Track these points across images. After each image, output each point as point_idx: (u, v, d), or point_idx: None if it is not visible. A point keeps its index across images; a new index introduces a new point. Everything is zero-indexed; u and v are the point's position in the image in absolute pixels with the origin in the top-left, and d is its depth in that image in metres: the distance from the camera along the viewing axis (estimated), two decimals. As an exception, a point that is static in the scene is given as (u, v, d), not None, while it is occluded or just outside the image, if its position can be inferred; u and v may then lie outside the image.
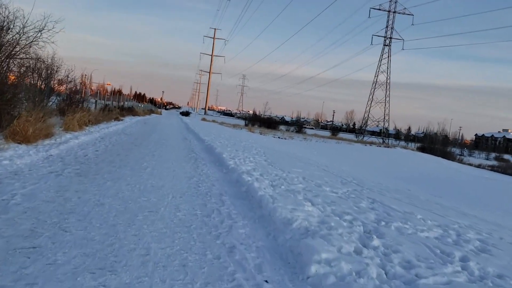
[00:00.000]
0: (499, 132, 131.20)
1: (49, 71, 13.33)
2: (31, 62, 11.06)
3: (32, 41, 9.98)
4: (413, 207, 7.54)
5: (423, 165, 39.27)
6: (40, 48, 10.30)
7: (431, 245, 4.43)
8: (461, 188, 26.23)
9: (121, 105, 36.31)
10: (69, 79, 15.51)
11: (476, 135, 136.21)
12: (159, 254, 3.48)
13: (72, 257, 3.19)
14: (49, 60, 13.12)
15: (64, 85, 14.92)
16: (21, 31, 9.63)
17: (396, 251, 3.99)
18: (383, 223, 5.20)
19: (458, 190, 24.82)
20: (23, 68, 10.72)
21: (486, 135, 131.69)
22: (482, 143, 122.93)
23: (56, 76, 13.84)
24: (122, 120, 25.82)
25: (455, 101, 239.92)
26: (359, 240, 4.18)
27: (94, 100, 26.37)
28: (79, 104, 16.59)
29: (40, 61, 12.33)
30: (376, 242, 4.17)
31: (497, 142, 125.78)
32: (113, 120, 23.12)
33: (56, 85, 14.13)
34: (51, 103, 14.29)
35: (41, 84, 12.83)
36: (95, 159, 8.33)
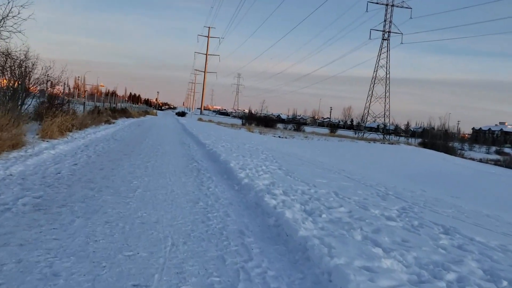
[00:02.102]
0: (496, 125, 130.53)
1: (22, 69, 11.35)
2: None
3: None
4: (487, 232, 5.69)
5: (429, 162, 37.70)
6: (5, 39, 8.34)
7: None
8: (474, 186, 24.57)
9: (113, 106, 34.27)
10: (48, 78, 13.50)
11: (473, 128, 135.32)
12: None
13: None
14: (22, 56, 11.14)
15: (43, 85, 12.92)
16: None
17: None
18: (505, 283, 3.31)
19: (472, 188, 23.13)
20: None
21: (483, 128, 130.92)
22: (479, 136, 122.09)
23: (32, 74, 11.85)
24: (113, 123, 23.83)
25: (451, 95, 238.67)
26: None
27: (82, 102, 24.38)
28: (61, 107, 14.59)
29: (10, 56, 10.37)
30: None
31: (495, 135, 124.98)
32: (103, 124, 21.14)
33: (31, 85, 12.14)
34: (26, 106, 12.30)
35: (13, 84, 10.86)
36: (69, 178, 6.39)
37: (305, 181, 8.25)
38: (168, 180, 7.10)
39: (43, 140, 10.61)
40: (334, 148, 35.46)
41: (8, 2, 8.13)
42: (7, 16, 8.05)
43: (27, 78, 11.68)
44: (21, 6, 8.18)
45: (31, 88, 12.10)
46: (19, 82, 11.45)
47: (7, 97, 10.70)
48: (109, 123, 22.57)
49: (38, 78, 12.11)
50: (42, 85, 13.83)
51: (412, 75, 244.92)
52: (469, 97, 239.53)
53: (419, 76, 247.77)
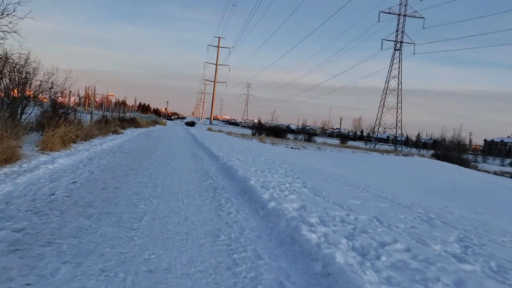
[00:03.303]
0: (508, 137, 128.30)
1: (22, 75, 10.42)
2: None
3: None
4: None
5: (446, 175, 36.36)
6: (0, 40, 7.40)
7: None
8: (497, 201, 23.27)
9: (122, 116, 33.46)
10: (51, 85, 12.58)
11: (485, 140, 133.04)
12: None
13: None
14: (22, 61, 10.21)
15: (45, 93, 11.98)
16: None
17: None
18: None
19: (495, 203, 21.84)
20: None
21: (495, 140, 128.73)
22: (491, 148, 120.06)
23: (33, 81, 10.92)
24: (121, 133, 22.92)
25: (461, 106, 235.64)
26: None
27: (90, 111, 23.51)
28: (66, 116, 13.64)
29: (8, 61, 9.44)
30: None
31: (507, 147, 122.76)
32: (111, 134, 20.22)
33: (32, 92, 11.20)
34: (27, 115, 11.35)
35: (10, 92, 9.92)
36: (64, 202, 5.34)
37: (338, 203, 7.13)
38: (180, 204, 6.01)
39: (43, 153, 9.62)
40: (349, 160, 34.21)
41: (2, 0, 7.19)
42: (1, 14, 7.10)
43: (28, 84, 10.74)
44: (17, 3, 7.24)
45: (32, 95, 11.15)
46: (19, 89, 10.52)
47: (6, 105, 9.76)
48: (117, 134, 21.66)
49: (40, 85, 11.14)
50: (44, 93, 12.92)
51: (422, 85, 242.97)
52: (480, 108, 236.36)
53: (429, 86, 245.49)
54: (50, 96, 12.34)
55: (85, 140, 14.33)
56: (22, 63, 10.27)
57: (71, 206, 5.13)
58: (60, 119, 12.06)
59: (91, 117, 21.70)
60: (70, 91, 16.06)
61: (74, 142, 12.75)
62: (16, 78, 10.50)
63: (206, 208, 5.89)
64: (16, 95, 10.51)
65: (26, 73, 10.61)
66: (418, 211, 8.21)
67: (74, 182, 6.88)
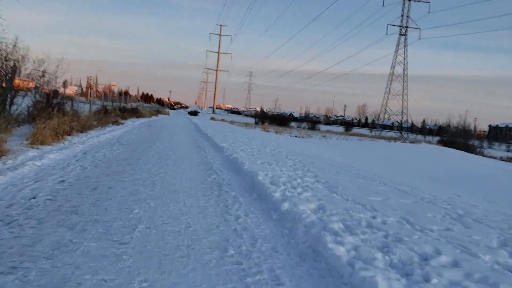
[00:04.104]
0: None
1: (10, 63, 9.61)
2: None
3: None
4: None
5: (454, 162, 35.60)
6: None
7: None
8: (510, 189, 22.56)
9: (123, 106, 32.65)
10: (42, 73, 11.74)
11: (489, 125, 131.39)
12: None
13: None
14: (9, 47, 9.39)
15: (35, 82, 11.18)
16: None
17: None
18: None
19: (509, 192, 21.13)
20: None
21: (500, 125, 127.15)
22: (496, 133, 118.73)
23: (22, 69, 10.11)
24: (122, 123, 22.17)
25: (465, 92, 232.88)
26: None
27: (90, 101, 22.71)
28: (60, 107, 12.86)
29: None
30: None
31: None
32: (110, 125, 19.46)
33: (22, 81, 10.40)
34: (16, 107, 10.57)
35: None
36: (45, 207, 4.57)
37: (358, 201, 6.35)
38: (181, 206, 5.23)
39: (32, 147, 8.87)
40: (356, 148, 33.38)
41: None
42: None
43: (17, 73, 9.94)
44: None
45: (22, 85, 10.36)
46: (7, 78, 9.73)
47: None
48: (117, 124, 20.90)
49: (29, 73, 10.33)
50: (38, 82, 12.12)
51: (426, 71, 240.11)
52: (483, 93, 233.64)
53: (434, 72, 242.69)
54: (37, 87, 11.48)
55: (81, 132, 13.57)
56: (10, 50, 9.45)
57: (53, 213, 4.37)
58: (53, 110, 11.29)
59: (90, 107, 20.92)
60: (66, 80, 15.27)
61: (69, 135, 11.99)
62: (4, 66, 9.70)
63: (210, 211, 5.12)
64: (3, 85, 9.73)
65: (14, 60, 9.80)
66: (444, 207, 7.43)
67: (61, 181, 6.12)
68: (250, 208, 5.47)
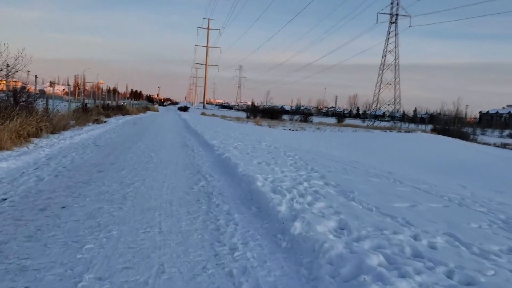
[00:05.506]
0: (503, 108, 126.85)
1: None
2: None
3: None
4: None
5: (452, 150, 34.52)
6: None
7: None
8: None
9: (107, 103, 31.02)
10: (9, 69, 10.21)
11: (480, 112, 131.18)
12: None
13: None
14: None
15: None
16: None
17: None
18: None
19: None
20: None
21: (490, 112, 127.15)
22: (487, 120, 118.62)
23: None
24: (104, 122, 20.63)
25: (454, 80, 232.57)
26: None
27: (68, 99, 21.10)
28: (28, 105, 11.34)
29: None
30: None
31: (503, 118, 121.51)
32: (90, 123, 17.94)
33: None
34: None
35: None
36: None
37: (384, 211, 5.00)
38: (156, 233, 3.82)
39: (-17, 154, 7.39)
40: (353, 140, 32.10)
41: None
42: None
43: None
44: None
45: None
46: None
47: None
48: (99, 123, 19.37)
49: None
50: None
51: (415, 60, 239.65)
52: (471, 81, 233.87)
53: (422, 61, 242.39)
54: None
55: (53, 133, 12.07)
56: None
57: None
58: (15, 109, 9.78)
59: (69, 105, 19.35)
60: (36, 76, 13.73)
61: (37, 136, 10.50)
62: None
63: (195, 240, 3.72)
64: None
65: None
66: (480, 210, 6.17)
67: (3, 199, 4.68)
68: (249, 231, 4.08)
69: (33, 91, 13.51)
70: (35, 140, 10.06)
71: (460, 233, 4.37)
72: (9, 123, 8.85)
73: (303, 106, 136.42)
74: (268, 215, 4.63)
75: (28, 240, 3.43)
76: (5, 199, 4.73)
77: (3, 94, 10.99)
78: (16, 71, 10.21)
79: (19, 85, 13.40)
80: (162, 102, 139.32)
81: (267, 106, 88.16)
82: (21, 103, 11.43)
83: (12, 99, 11.31)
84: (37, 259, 3.04)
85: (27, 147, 9.00)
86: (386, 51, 74.38)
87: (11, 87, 11.36)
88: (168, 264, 3.10)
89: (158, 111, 61.95)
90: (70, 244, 3.39)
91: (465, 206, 6.44)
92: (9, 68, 9.84)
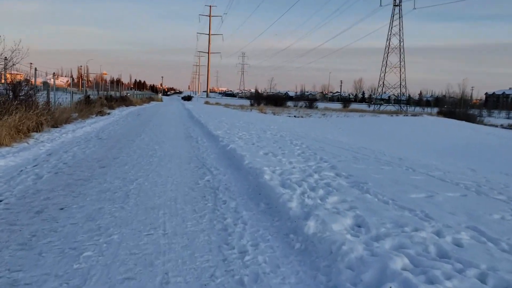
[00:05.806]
0: (510, 88, 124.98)
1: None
2: None
3: None
4: None
5: (461, 133, 33.98)
6: None
7: None
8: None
9: (110, 95, 30.76)
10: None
11: (486, 93, 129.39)
12: None
13: None
14: None
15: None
16: None
17: None
18: None
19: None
20: None
21: (496, 93, 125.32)
22: (493, 101, 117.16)
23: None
24: (108, 114, 20.40)
25: (459, 61, 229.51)
26: None
27: (70, 91, 20.83)
28: (28, 99, 11.08)
29: None
30: None
31: (510, 99, 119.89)
32: (94, 116, 17.71)
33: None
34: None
35: None
36: None
37: (401, 204, 4.71)
38: (160, 235, 3.56)
39: (-19, 152, 7.16)
40: (360, 125, 31.70)
41: None
42: None
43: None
44: None
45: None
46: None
47: None
48: (102, 115, 19.14)
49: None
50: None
51: (419, 43, 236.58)
52: (475, 62, 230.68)
53: (427, 44, 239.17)
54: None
55: (55, 127, 11.84)
56: None
57: None
58: (14, 104, 9.52)
59: (71, 97, 19.08)
60: (36, 69, 13.43)
61: (38, 131, 10.27)
62: None
63: (202, 242, 3.46)
64: None
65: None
66: (499, 198, 5.90)
67: (-5, 203, 4.43)
68: (259, 231, 3.81)
69: (33, 83, 13.22)
70: (36, 135, 9.82)
71: (484, 226, 4.08)
72: (8, 118, 8.61)
73: (307, 92, 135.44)
74: (278, 212, 4.35)
75: (22, 249, 3.18)
76: (0, 201, 4.49)
77: (1, 88, 10.71)
78: (14, 64, 9.90)
79: (21, 78, 13.15)
80: (166, 92, 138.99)
81: (271, 93, 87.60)
82: (21, 97, 11.19)
83: (11, 93, 11.08)
84: (30, 271, 2.79)
85: (27, 143, 8.77)
86: (390, 34, 73.23)
87: (9, 80, 11.06)
88: (173, 273, 2.84)
89: (162, 101, 61.69)
90: (66, 252, 3.14)
91: (483, 194, 6.15)
92: (7, 61, 9.54)
